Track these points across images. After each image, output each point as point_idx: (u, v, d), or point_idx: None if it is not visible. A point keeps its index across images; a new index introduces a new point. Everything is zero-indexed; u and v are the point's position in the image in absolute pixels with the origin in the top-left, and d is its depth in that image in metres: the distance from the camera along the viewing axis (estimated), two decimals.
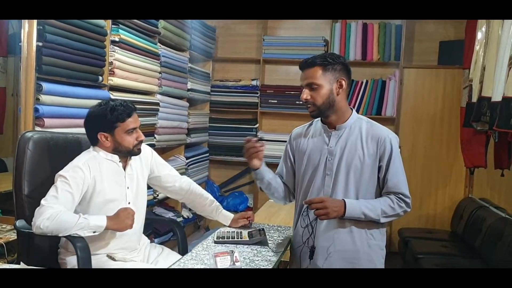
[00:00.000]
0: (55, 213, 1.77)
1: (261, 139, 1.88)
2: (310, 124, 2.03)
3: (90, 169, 1.94)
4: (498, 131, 2.70)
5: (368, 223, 1.84)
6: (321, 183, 1.89)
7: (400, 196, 1.83)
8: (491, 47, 2.89)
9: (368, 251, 1.86)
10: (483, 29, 3.13)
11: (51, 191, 1.86)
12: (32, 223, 1.81)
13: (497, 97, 2.60)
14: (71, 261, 1.95)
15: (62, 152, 2.11)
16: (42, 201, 1.83)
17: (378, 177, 1.86)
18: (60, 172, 1.90)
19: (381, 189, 1.87)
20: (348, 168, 1.84)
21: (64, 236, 1.82)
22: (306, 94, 1.86)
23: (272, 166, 2.08)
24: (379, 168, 1.85)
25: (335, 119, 1.89)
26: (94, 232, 1.84)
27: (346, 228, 1.85)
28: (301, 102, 4.62)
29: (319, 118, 1.95)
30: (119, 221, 1.88)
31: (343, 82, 1.84)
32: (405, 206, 1.83)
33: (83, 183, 1.91)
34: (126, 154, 2.04)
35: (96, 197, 1.96)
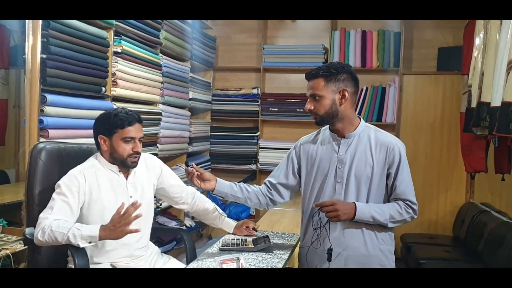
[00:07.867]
0: (47, 224, 1.80)
1: (186, 164, 1.97)
2: (318, 133, 2.05)
3: (85, 177, 1.96)
4: (497, 136, 2.71)
5: (378, 227, 1.89)
6: (332, 191, 1.91)
7: (408, 202, 1.88)
8: (489, 52, 2.92)
9: (381, 256, 1.90)
10: (481, 34, 3.16)
11: (49, 202, 1.89)
12: (34, 236, 1.85)
13: (496, 102, 2.62)
14: None
15: (74, 162, 2.10)
16: (40, 214, 1.87)
17: (387, 184, 1.90)
18: (58, 182, 1.94)
19: (389, 196, 1.91)
20: (359, 176, 1.88)
21: (65, 245, 1.82)
22: (309, 104, 1.90)
23: None
24: (388, 175, 1.89)
25: (342, 128, 1.92)
26: (89, 242, 1.80)
27: (358, 233, 1.88)
28: (301, 110, 4.74)
29: (327, 127, 1.98)
30: (112, 230, 1.76)
31: (346, 93, 1.87)
32: (412, 213, 1.88)
33: (78, 191, 1.92)
34: (119, 163, 2.03)
35: (94, 206, 1.97)
